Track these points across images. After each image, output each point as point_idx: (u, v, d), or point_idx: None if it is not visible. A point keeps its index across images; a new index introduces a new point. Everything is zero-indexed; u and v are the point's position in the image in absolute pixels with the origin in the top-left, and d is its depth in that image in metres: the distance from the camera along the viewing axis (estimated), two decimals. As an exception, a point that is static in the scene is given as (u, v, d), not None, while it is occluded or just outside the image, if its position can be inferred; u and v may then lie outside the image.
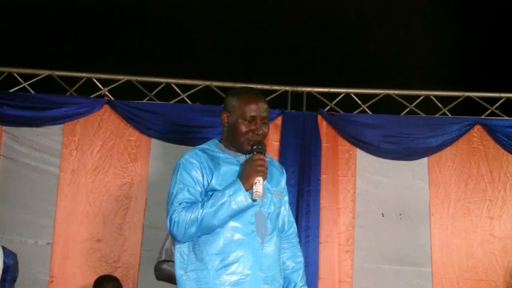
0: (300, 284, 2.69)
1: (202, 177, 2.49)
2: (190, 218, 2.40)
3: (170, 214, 2.45)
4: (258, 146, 2.48)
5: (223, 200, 2.39)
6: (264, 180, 2.42)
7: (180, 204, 2.45)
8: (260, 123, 2.55)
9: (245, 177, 2.42)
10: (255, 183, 2.39)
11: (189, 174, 2.49)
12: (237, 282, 2.41)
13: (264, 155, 2.48)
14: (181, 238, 2.45)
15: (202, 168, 2.50)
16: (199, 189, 2.48)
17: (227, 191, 2.41)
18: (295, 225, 2.81)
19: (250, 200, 2.40)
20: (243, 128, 2.54)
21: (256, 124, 2.55)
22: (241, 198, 2.40)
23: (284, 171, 2.77)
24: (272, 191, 2.59)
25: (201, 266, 2.43)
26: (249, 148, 2.54)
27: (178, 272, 2.48)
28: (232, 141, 2.58)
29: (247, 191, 2.40)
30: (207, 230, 2.43)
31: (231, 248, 2.43)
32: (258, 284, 2.44)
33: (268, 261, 2.49)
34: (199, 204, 2.41)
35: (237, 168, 2.53)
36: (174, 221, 2.43)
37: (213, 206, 2.39)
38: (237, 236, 2.44)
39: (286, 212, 2.74)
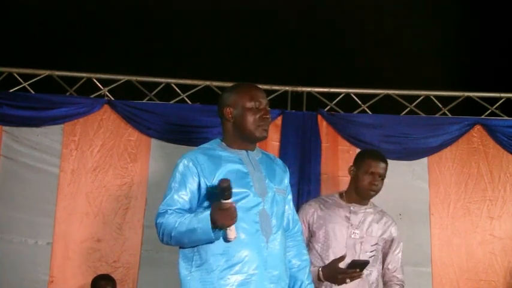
0: (307, 282, 2.69)
1: (199, 183, 2.49)
2: (168, 230, 2.43)
3: (156, 217, 2.49)
4: (224, 193, 2.31)
5: (192, 227, 2.37)
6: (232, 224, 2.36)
7: (165, 210, 2.48)
8: (265, 108, 2.57)
9: (214, 221, 2.34)
10: (227, 229, 2.35)
11: (183, 180, 2.50)
12: (242, 282, 2.41)
13: (230, 197, 2.32)
14: (162, 242, 2.50)
15: (200, 172, 2.49)
16: (189, 196, 2.48)
17: (199, 225, 2.35)
18: (300, 223, 2.82)
19: (213, 237, 2.37)
20: (251, 116, 2.55)
21: (264, 109, 2.56)
22: (208, 235, 2.37)
23: (287, 169, 2.77)
24: (275, 189, 2.59)
25: (206, 266, 2.43)
26: (262, 134, 2.56)
27: (183, 272, 2.48)
28: (242, 133, 2.57)
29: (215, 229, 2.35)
30: (181, 246, 2.48)
31: (236, 248, 2.42)
32: (264, 283, 2.44)
33: (274, 260, 2.49)
34: (177, 221, 2.41)
35: (239, 166, 2.53)
36: (157, 226, 2.48)
37: (185, 229, 2.38)
38: (242, 235, 2.44)
39: (290, 211, 2.74)
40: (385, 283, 3.50)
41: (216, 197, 2.30)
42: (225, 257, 2.42)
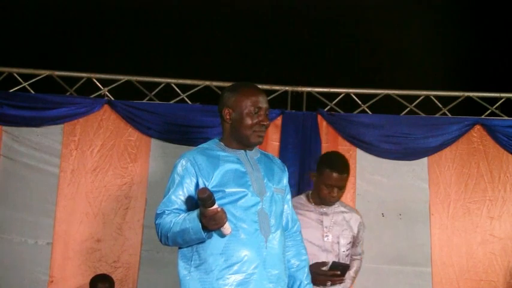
0: (306, 282, 2.69)
1: (197, 183, 2.49)
2: (164, 231, 2.44)
3: (155, 218, 2.50)
4: (206, 202, 2.26)
5: (184, 227, 2.37)
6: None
7: (162, 211, 2.49)
8: (265, 114, 2.56)
9: (204, 226, 2.33)
10: (221, 229, 2.34)
11: (180, 181, 2.50)
12: (241, 281, 2.41)
13: (213, 204, 2.29)
14: (161, 243, 2.51)
15: (198, 172, 2.49)
16: (186, 196, 2.49)
17: (190, 225, 2.35)
18: (299, 222, 2.82)
19: (204, 237, 2.37)
20: (249, 121, 2.54)
21: (262, 115, 2.56)
22: (199, 235, 2.36)
23: (286, 169, 2.77)
24: (273, 188, 2.59)
25: (205, 266, 2.43)
26: (257, 140, 2.56)
27: (182, 272, 2.48)
28: (238, 136, 2.58)
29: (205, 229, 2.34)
30: (179, 246, 2.48)
31: (235, 247, 2.42)
32: (263, 282, 2.44)
33: (273, 259, 2.49)
34: (172, 221, 2.41)
35: (237, 166, 2.54)
36: (156, 227, 2.49)
37: (179, 229, 2.39)
38: (241, 235, 2.44)
39: (289, 210, 2.75)
40: None
41: (202, 205, 2.29)
42: (224, 256, 2.42)
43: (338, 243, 3.36)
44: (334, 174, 3.28)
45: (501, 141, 4.98)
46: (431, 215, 4.95)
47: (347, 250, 3.40)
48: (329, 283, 3.20)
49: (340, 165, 3.34)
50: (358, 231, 3.49)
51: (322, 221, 3.35)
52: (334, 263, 3.22)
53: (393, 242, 4.93)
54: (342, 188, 3.35)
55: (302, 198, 3.48)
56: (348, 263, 3.34)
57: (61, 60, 5.51)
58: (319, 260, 3.26)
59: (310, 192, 3.46)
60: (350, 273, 3.49)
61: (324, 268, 3.21)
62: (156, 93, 5.16)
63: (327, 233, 3.34)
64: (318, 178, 3.36)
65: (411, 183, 5.02)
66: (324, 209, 3.40)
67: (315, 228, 3.35)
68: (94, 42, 5.80)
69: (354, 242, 3.49)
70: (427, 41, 5.83)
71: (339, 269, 3.19)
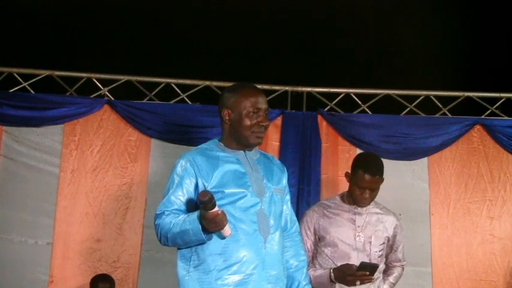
0: (304, 283, 2.69)
1: (196, 183, 2.49)
2: (164, 232, 2.44)
3: (154, 219, 2.50)
4: (207, 205, 2.25)
5: (184, 228, 2.37)
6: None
7: (162, 211, 2.48)
8: (264, 114, 2.56)
9: (204, 227, 2.33)
10: (221, 231, 2.34)
11: (180, 181, 2.50)
12: (240, 282, 2.41)
13: (214, 207, 2.28)
14: (161, 243, 2.51)
15: (197, 172, 2.49)
16: (186, 196, 2.48)
17: (190, 226, 2.35)
18: (297, 223, 2.82)
19: (204, 239, 2.36)
20: (248, 122, 2.54)
21: (261, 116, 2.56)
22: (199, 237, 2.36)
23: (285, 169, 2.77)
24: (273, 189, 2.59)
25: (204, 266, 2.43)
26: (256, 141, 2.56)
27: (181, 272, 2.48)
28: (237, 137, 2.58)
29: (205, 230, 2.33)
30: (178, 246, 2.48)
31: (234, 248, 2.42)
32: (262, 283, 2.44)
33: (272, 260, 2.49)
34: (172, 222, 2.41)
35: (237, 166, 2.54)
36: (155, 227, 2.49)
37: (179, 230, 2.38)
38: (240, 235, 2.44)
39: (288, 211, 2.75)
40: (386, 266, 3.53)
41: (202, 208, 2.27)
42: (222, 257, 2.42)
43: (370, 243, 3.35)
44: (367, 176, 3.28)
45: (501, 141, 4.98)
46: (431, 215, 4.94)
47: (379, 251, 3.38)
48: (358, 282, 3.19)
49: (373, 167, 3.32)
50: (395, 235, 3.46)
51: (354, 220, 3.36)
52: (362, 263, 3.21)
53: (393, 242, 4.93)
54: (374, 190, 3.34)
55: (336, 198, 3.49)
56: (378, 263, 3.31)
57: (61, 60, 5.51)
58: (350, 259, 3.27)
59: (346, 192, 3.46)
60: (389, 280, 3.49)
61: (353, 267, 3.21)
62: (156, 93, 5.16)
63: (359, 232, 3.34)
64: (351, 179, 3.37)
65: (411, 183, 5.01)
66: (358, 209, 3.40)
67: (347, 227, 3.35)
68: (94, 42, 5.80)
69: (392, 246, 3.47)
70: (427, 41, 5.83)
71: (368, 269, 3.18)
